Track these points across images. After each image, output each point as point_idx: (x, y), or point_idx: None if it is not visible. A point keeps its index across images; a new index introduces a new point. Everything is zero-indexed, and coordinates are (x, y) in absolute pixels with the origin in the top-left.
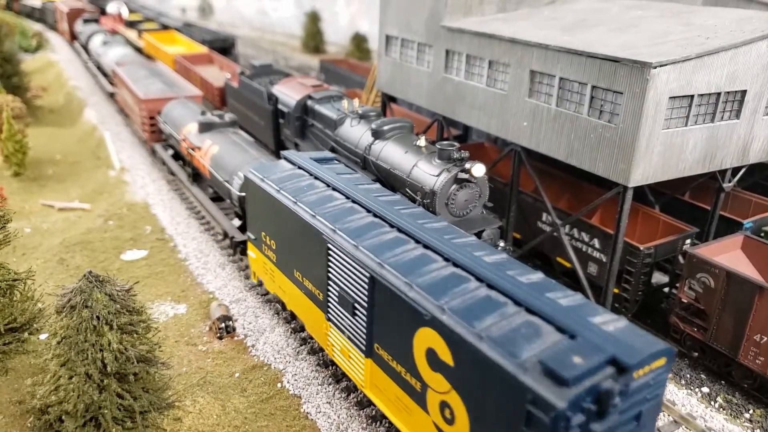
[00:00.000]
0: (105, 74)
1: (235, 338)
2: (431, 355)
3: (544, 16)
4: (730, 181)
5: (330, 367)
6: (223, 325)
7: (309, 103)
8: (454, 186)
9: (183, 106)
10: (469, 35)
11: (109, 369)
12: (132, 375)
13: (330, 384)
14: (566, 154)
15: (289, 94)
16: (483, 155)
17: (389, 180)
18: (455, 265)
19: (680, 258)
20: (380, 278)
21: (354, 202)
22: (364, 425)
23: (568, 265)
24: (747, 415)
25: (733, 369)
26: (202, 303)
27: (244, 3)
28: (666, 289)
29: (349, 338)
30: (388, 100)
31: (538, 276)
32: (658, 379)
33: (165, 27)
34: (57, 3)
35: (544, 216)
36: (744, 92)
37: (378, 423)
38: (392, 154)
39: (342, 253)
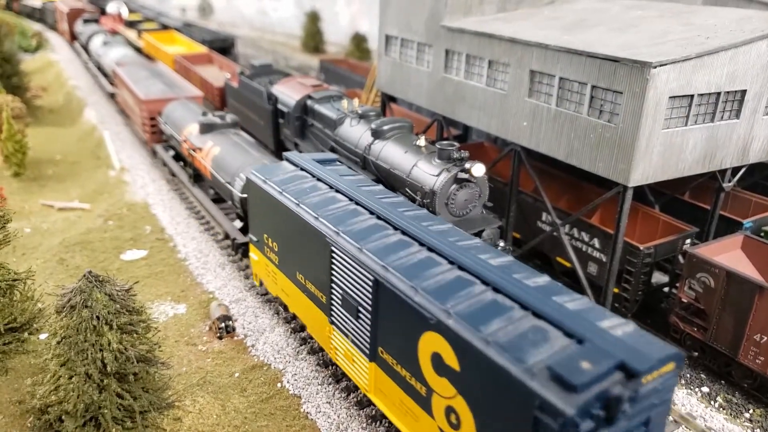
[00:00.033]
0: (105, 74)
1: (235, 338)
2: (437, 360)
3: (544, 16)
4: (729, 181)
5: (330, 367)
6: (222, 325)
7: (309, 102)
8: (453, 186)
9: (184, 107)
10: (469, 35)
11: (109, 369)
12: (132, 375)
13: (330, 384)
14: (566, 153)
15: (288, 93)
16: (483, 155)
17: (389, 180)
18: (460, 268)
19: (680, 258)
20: (385, 282)
21: (357, 204)
22: (364, 425)
23: (568, 264)
24: (747, 415)
25: (733, 369)
26: (201, 303)
27: (244, 3)
28: (666, 289)
29: (352, 342)
30: (387, 99)
31: (544, 279)
32: (666, 384)
33: (165, 27)
34: (57, 3)
35: (544, 216)
36: (744, 92)
37: (378, 423)
38: (392, 153)
39: (345, 255)
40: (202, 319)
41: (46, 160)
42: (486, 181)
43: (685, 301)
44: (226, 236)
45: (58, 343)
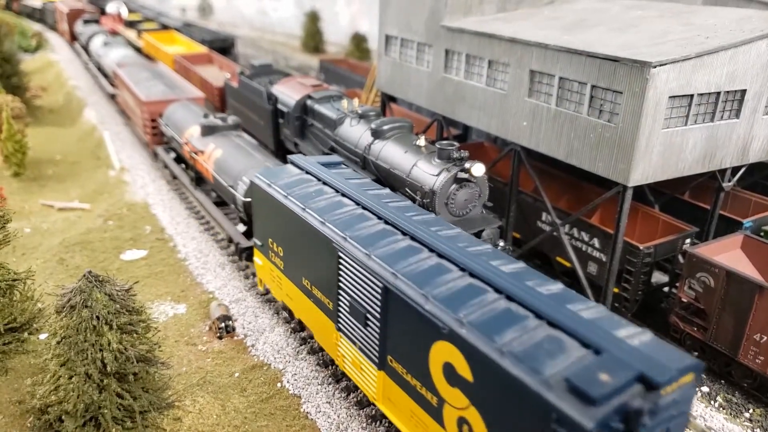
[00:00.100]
0: (106, 75)
1: (235, 338)
2: (449, 370)
3: (544, 16)
4: (729, 181)
5: (330, 367)
6: (222, 324)
7: (308, 102)
8: (453, 185)
9: (185, 109)
10: (469, 35)
11: (108, 369)
12: (132, 375)
13: (330, 384)
14: (566, 153)
15: (288, 93)
16: (483, 155)
17: (389, 180)
18: (472, 275)
19: (680, 257)
20: (394, 289)
21: (364, 208)
22: (364, 425)
23: (567, 264)
24: (747, 415)
25: (732, 368)
26: (201, 303)
27: (244, 3)
28: (666, 289)
29: (360, 349)
30: (387, 99)
31: (557, 286)
32: (685, 395)
33: (165, 27)
34: (57, 3)
35: (544, 216)
36: (744, 91)
37: (378, 423)
38: (392, 153)
39: (353, 261)
40: (202, 319)
41: (46, 160)
42: (486, 180)
43: (685, 300)
44: (230, 240)
45: (58, 343)
